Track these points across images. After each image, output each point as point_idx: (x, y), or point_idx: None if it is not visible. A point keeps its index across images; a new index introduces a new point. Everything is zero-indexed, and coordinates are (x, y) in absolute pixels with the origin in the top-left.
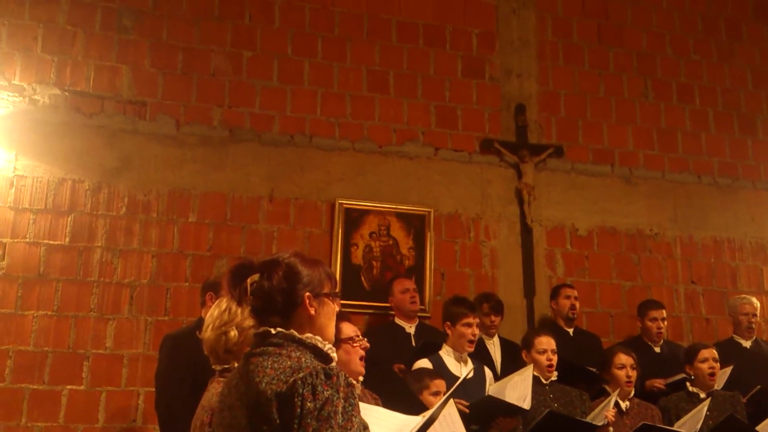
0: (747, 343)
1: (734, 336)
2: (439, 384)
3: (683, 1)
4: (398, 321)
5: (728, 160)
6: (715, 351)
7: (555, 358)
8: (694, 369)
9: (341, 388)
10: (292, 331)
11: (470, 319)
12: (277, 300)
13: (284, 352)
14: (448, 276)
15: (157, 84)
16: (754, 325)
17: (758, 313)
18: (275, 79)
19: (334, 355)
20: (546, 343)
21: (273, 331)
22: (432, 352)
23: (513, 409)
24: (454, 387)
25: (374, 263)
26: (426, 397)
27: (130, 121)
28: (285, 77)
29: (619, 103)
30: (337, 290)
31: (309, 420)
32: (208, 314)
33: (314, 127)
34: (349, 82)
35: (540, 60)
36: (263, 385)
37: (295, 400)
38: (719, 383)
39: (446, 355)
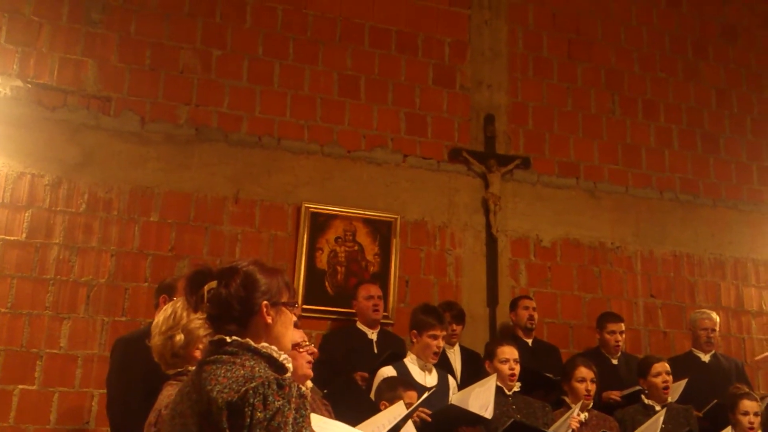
0: (706, 357)
1: (693, 350)
2: (412, 396)
3: (652, 18)
4: (360, 326)
5: (690, 177)
6: (667, 365)
7: (517, 368)
8: (648, 383)
9: (293, 399)
10: (247, 339)
11: (437, 331)
12: (234, 308)
13: (238, 360)
14: (413, 283)
15: (123, 79)
16: (713, 340)
17: (717, 328)
18: (245, 79)
19: (289, 365)
20: (509, 352)
21: (228, 339)
22: (396, 361)
23: (475, 418)
24: (415, 405)
25: (339, 268)
26: None
27: (93, 116)
28: (255, 78)
29: (586, 118)
30: (296, 300)
31: (258, 430)
32: (155, 321)
33: (283, 130)
34: (320, 85)
35: (510, 71)
36: (215, 393)
37: (246, 409)
38: (675, 395)
39: (411, 363)
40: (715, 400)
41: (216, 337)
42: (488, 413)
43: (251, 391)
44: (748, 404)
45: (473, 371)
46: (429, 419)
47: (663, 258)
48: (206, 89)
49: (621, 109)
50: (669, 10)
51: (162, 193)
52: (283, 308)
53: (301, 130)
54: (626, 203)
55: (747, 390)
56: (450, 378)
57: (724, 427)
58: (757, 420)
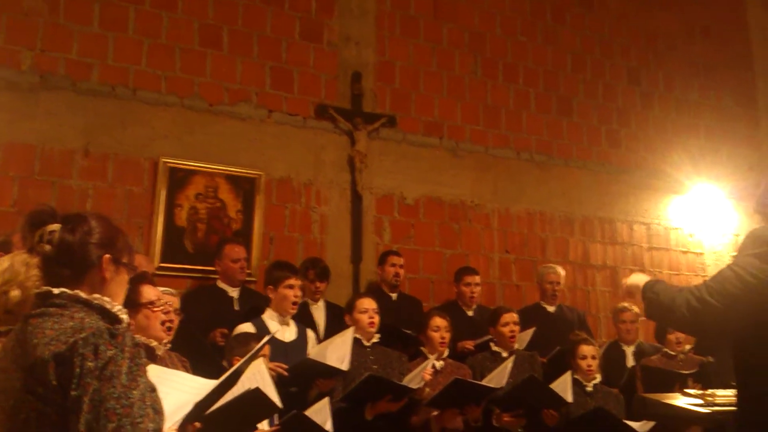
0: (551, 308)
1: (540, 302)
2: (265, 349)
3: None
4: (221, 284)
5: (545, 139)
6: (516, 315)
7: (377, 318)
8: (497, 331)
9: (127, 348)
10: (77, 291)
11: (292, 281)
12: (75, 253)
13: (67, 313)
14: (277, 241)
15: None
16: (557, 293)
17: (562, 281)
18: (96, 25)
19: (123, 316)
20: (367, 303)
21: (55, 291)
22: (256, 316)
23: (331, 371)
24: (260, 345)
25: (199, 225)
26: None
27: None
28: (107, 23)
29: (450, 78)
30: (135, 266)
31: (89, 379)
32: None
33: (138, 80)
34: (180, 34)
35: (378, 29)
36: (41, 347)
37: (75, 360)
38: (523, 344)
39: (269, 318)
40: (558, 347)
41: (42, 290)
42: (344, 365)
43: (81, 342)
44: (586, 349)
45: (337, 326)
46: (286, 374)
47: (518, 215)
48: (52, 34)
49: (483, 70)
50: None
51: (2, 144)
52: (123, 268)
53: (158, 80)
54: (486, 163)
55: (585, 336)
56: (309, 332)
57: (566, 372)
58: (595, 363)
